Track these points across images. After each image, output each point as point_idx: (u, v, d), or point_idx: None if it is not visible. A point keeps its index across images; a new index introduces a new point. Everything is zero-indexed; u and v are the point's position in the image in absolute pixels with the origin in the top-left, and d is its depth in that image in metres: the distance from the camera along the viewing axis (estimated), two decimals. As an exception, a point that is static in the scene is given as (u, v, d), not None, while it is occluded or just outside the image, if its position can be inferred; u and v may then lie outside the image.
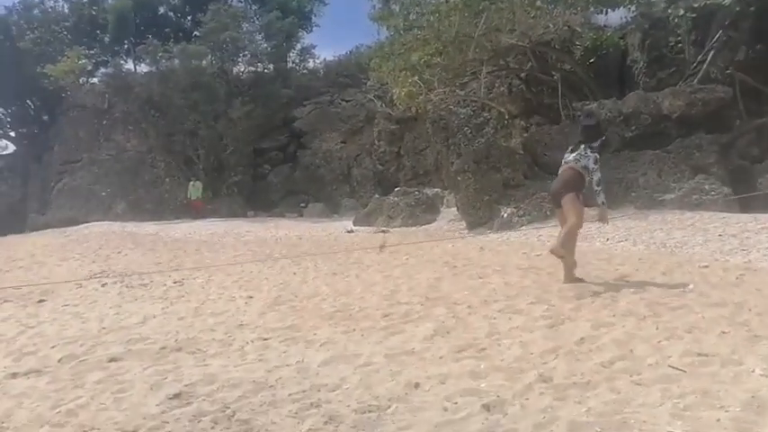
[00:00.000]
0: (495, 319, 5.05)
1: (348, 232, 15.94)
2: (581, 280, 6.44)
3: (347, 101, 28.69)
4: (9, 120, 34.89)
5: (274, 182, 27.72)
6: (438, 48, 13.55)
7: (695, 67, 14.96)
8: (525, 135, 16.41)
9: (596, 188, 6.35)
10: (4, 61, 30.27)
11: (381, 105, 19.41)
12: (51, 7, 32.72)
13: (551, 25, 14.90)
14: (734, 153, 12.65)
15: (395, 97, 13.97)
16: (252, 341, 4.95)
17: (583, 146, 6.47)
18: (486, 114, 21.26)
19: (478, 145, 13.79)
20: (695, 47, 15.27)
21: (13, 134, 35.12)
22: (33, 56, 29.46)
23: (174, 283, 8.16)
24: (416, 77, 13.62)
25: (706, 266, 6.87)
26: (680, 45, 15.74)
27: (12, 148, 35.47)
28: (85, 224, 22.23)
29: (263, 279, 8.19)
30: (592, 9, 15.04)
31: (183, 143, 25.11)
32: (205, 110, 24.33)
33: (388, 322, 5.22)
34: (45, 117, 33.77)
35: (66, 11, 31.69)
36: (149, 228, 19.09)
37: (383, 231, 15.08)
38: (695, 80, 14.36)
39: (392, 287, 6.85)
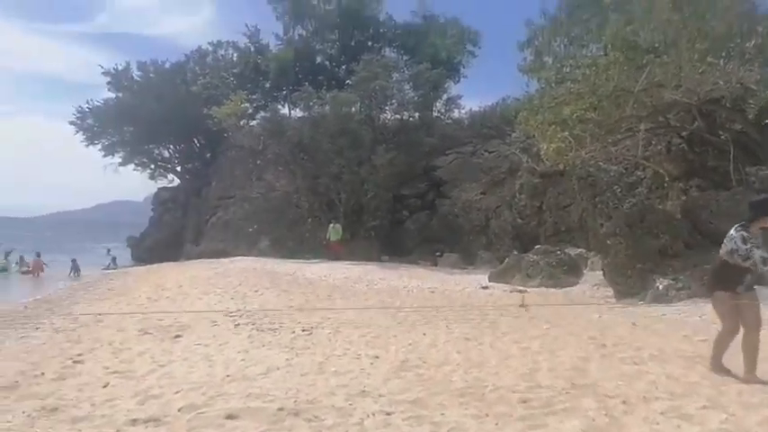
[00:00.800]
0: (658, 424, 4.25)
1: (483, 288, 15.27)
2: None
3: (490, 152, 28.26)
4: (177, 156, 38.29)
5: (411, 228, 27.71)
6: (593, 102, 12.73)
7: None
8: (684, 198, 14.96)
9: (762, 268, 5.48)
10: (179, 103, 33.41)
11: (527, 160, 18.66)
12: (222, 55, 35.78)
13: (722, 82, 13.56)
14: None
15: (542, 152, 13.29)
16: (373, 414, 4.53)
17: (747, 225, 5.77)
18: (639, 173, 19.97)
19: (630, 206, 12.70)
20: None
21: (179, 169, 38.42)
22: (202, 99, 32.19)
23: (303, 331, 8.02)
24: (567, 133, 12.86)
25: None
26: None
27: (176, 181, 38.79)
28: (231, 258, 23.35)
29: (390, 336, 7.82)
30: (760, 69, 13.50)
31: (327, 186, 25.85)
32: (350, 155, 24.94)
33: (526, 410, 4.59)
34: (208, 155, 36.70)
35: (235, 58, 34.40)
36: (288, 266, 19.58)
37: (520, 291, 14.24)
38: None
39: (531, 364, 6.17)
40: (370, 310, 10.74)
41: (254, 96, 32.53)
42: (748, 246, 5.56)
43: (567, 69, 14.28)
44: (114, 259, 28.97)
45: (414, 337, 7.79)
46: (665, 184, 18.74)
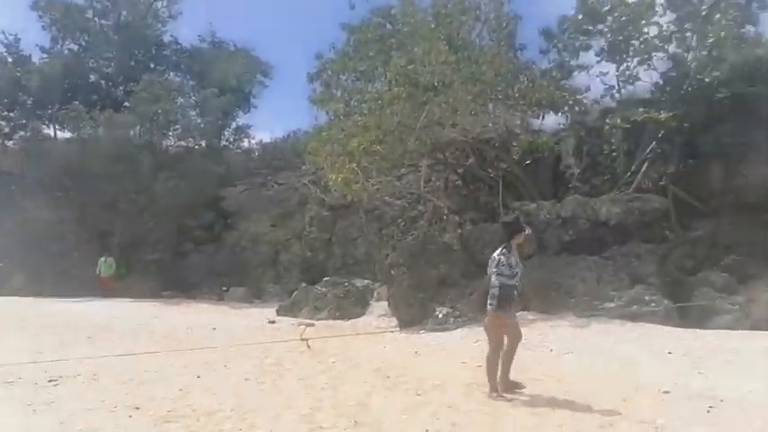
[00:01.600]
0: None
1: (270, 323, 14.66)
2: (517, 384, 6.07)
3: (280, 184, 27.90)
4: None
5: (196, 262, 26.08)
6: (378, 136, 13.03)
7: (629, 176, 15.05)
8: (459, 231, 15.94)
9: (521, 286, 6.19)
10: None
11: (316, 191, 18.62)
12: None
13: (491, 124, 14.75)
14: (670, 264, 12.44)
15: (330, 183, 13.24)
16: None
17: (507, 246, 6.21)
18: (421, 207, 21.01)
19: (414, 238, 13.10)
20: (628, 157, 15.42)
21: None
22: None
23: (49, 382, 6.74)
24: (354, 164, 12.97)
25: (667, 392, 6.16)
26: (614, 154, 15.87)
27: None
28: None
29: (159, 381, 6.90)
30: (529, 112, 15.02)
31: (98, 215, 23.39)
32: (126, 182, 22.87)
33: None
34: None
35: (-10, 69, 30.06)
36: (46, 306, 17.12)
37: (308, 324, 13.88)
38: (630, 189, 14.37)
39: (314, 402, 5.75)
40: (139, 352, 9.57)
41: (11, 114, 28.55)
42: (513, 264, 5.98)
43: (355, 103, 14.53)
44: None
45: (186, 381, 6.95)
46: (444, 218, 19.92)
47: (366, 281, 19.74)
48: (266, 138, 30.42)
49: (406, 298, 12.01)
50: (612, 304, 11.04)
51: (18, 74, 27.57)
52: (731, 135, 13.70)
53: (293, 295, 17.21)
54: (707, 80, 13.29)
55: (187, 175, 23.89)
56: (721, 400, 5.82)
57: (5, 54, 28.78)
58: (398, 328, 12.20)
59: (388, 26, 15.75)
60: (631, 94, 15.65)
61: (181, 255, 26.14)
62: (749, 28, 13.04)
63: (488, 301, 6.07)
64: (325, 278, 17.72)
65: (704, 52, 12.94)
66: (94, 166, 22.78)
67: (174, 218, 24.73)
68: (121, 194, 23.04)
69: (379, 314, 15.30)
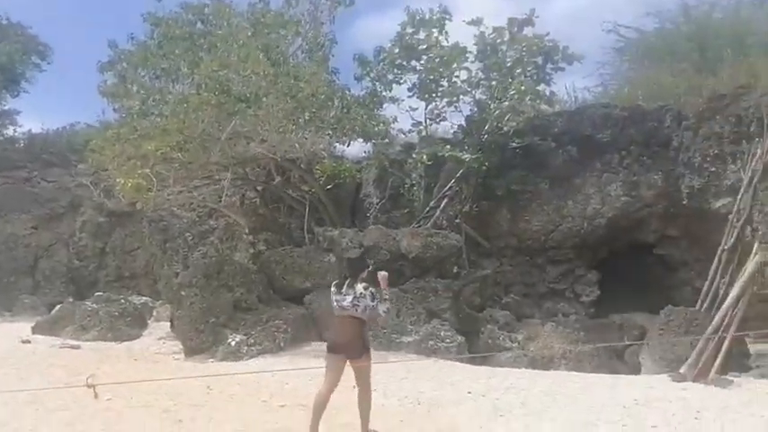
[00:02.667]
0: None
1: (23, 342, 12.43)
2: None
3: (49, 181, 24.52)
4: None
5: (-74, 263, 21.80)
6: (179, 142, 11.82)
7: (428, 211, 15.57)
8: (252, 251, 15.18)
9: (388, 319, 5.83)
10: None
11: (99, 194, 16.47)
12: None
13: (297, 145, 14.28)
14: (462, 300, 12.96)
15: (118, 188, 11.65)
16: None
17: (353, 282, 5.87)
18: (213, 222, 19.78)
19: (204, 256, 12.09)
20: (427, 192, 15.99)
21: None
22: None
23: None
24: (147, 170, 11.60)
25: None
26: (414, 188, 16.37)
27: None
28: None
29: None
30: (342, 138, 14.87)
31: None
32: None
33: None
34: None
35: None
36: None
37: (72, 346, 12.02)
38: (428, 224, 14.85)
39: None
40: None
41: None
42: (375, 302, 5.74)
43: (153, 102, 13.11)
44: None
45: None
46: (236, 236, 18.95)
47: (144, 298, 18.00)
48: (36, 128, 26.60)
49: (195, 322, 10.87)
50: (410, 339, 11.09)
51: None
52: (520, 182, 14.90)
53: (55, 310, 14.90)
54: (505, 128, 14.30)
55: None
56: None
57: None
58: (183, 355, 11.02)
59: (200, 25, 14.62)
60: (436, 133, 16.36)
61: None
62: (544, 87, 14.28)
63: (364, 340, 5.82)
64: (97, 293, 15.69)
65: (505, 103, 13.88)
66: None
67: None
68: None
69: (158, 336, 13.85)
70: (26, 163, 24.74)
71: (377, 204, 17.70)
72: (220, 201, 14.34)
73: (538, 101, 14.09)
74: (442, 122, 15.65)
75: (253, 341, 10.66)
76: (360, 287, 5.76)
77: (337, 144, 16.02)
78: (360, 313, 5.72)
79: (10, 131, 24.92)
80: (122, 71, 14.28)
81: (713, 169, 12.68)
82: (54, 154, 25.27)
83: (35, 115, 40.04)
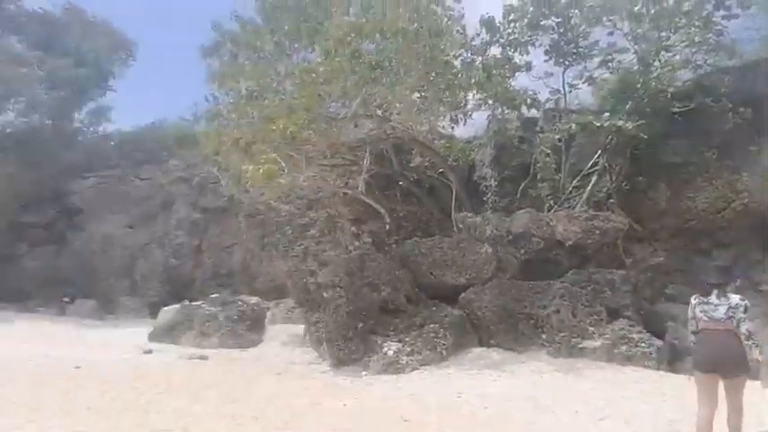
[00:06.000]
0: None
1: (146, 353, 11.27)
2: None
3: (142, 179, 23.86)
4: None
5: (30, 266, 21.51)
6: (305, 121, 10.26)
7: (570, 192, 13.59)
8: (389, 242, 13.53)
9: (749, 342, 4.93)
10: None
11: (227, 183, 15.06)
12: None
13: (427, 121, 12.54)
14: (639, 294, 10.94)
15: (246, 176, 10.22)
16: None
17: (724, 292, 5.10)
18: (312, 214, 18.27)
19: (352, 253, 10.58)
20: (570, 169, 13.97)
21: None
22: None
23: None
24: (274, 154, 10.11)
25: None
26: (553, 166, 14.30)
27: None
28: None
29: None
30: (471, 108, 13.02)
31: None
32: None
33: None
34: None
35: None
36: None
37: (200, 358, 10.75)
38: (576, 205, 12.89)
39: None
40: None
41: None
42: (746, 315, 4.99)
43: (270, 80, 11.67)
44: None
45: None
46: (339, 227, 17.42)
47: (255, 298, 16.80)
48: (126, 126, 26.08)
49: (341, 328, 9.33)
50: (596, 343, 9.18)
51: None
52: (682, 153, 12.71)
53: (170, 315, 13.74)
54: (669, 89, 12.11)
55: (29, 161, 19.34)
56: None
57: None
58: (328, 367, 9.51)
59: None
60: (573, 102, 14.31)
61: (11, 258, 21.33)
62: (712, 37, 11.98)
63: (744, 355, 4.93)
64: (213, 294, 14.51)
65: (675, 57, 11.67)
66: None
67: (5, 212, 19.93)
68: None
69: (282, 342, 12.52)
70: (118, 161, 24.19)
71: (494, 187, 15.77)
72: (346, 185, 12.78)
73: (712, 54, 11.77)
74: (583, 88, 13.54)
75: (410, 349, 9.04)
76: (735, 298, 5.05)
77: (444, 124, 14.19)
78: (734, 326, 4.96)
79: (102, 129, 24.33)
80: (231, 52, 12.91)
81: None
82: (145, 151, 24.66)
83: (124, 113, 40.07)
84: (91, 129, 23.56)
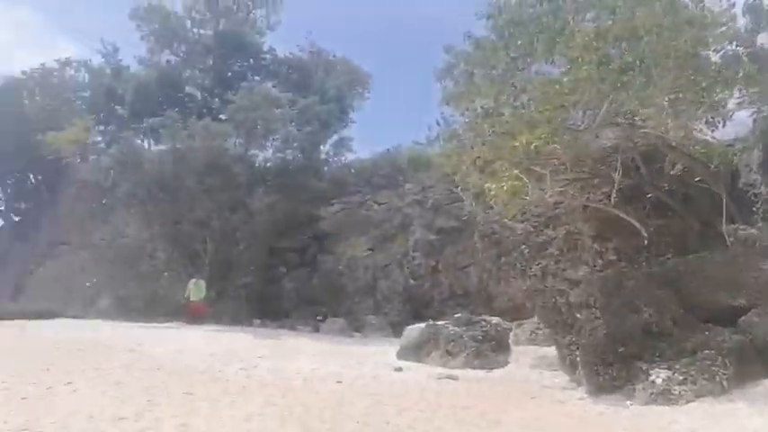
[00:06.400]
0: None
1: (396, 371, 11.67)
2: None
3: (380, 203, 25.22)
4: (3, 193, 31.83)
5: (288, 287, 23.72)
6: (548, 134, 9.85)
7: None
8: (643, 259, 12.40)
9: None
10: (9, 128, 27.63)
11: (471, 204, 15.14)
12: (71, 75, 30.30)
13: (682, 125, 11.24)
14: None
15: (490, 194, 10.19)
16: None
17: None
18: (550, 232, 17.51)
19: (601, 270, 9.84)
20: None
21: (2, 208, 31.77)
22: (40, 124, 26.62)
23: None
24: (517, 171, 9.88)
25: None
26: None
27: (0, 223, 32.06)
28: (56, 320, 18.00)
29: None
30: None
31: (191, 233, 21.29)
32: (221, 197, 20.72)
33: None
34: (45, 193, 30.60)
35: (86, 80, 29.11)
36: (132, 334, 14.88)
37: (450, 377, 10.82)
38: None
39: None
40: (253, 418, 6.78)
41: (108, 128, 27.23)
42: None
43: (506, 97, 11.48)
44: None
45: None
46: (580, 245, 16.40)
47: (496, 318, 16.55)
48: (364, 153, 27.93)
49: (599, 352, 8.68)
50: None
51: (115, 85, 26.29)
52: None
53: (417, 334, 14.05)
54: None
55: (284, 191, 21.58)
56: None
57: (104, 65, 27.75)
58: (584, 393, 8.90)
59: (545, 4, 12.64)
60: None
61: (273, 279, 23.85)
62: None
63: None
64: (457, 314, 14.58)
65: None
66: (187, 179, 20.79)
67: (267, 238, 22.40)
68: (215, 211, 20.88)
69: (530, 364, 12.08)
70: (359, 187, 25.94)
71: (766, 194, 13.62)
72: (587, 199, 12.07)
73: None
74: None
75: (683, 378, 8.04)
76: None
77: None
78: None
79: (344, 158, 26.36)
80: (466, 71, 13.02)
81: None
82: (382, 176, 26.11)
83: (361, 141, 43.17)
84: (335, 159, 25.62)
